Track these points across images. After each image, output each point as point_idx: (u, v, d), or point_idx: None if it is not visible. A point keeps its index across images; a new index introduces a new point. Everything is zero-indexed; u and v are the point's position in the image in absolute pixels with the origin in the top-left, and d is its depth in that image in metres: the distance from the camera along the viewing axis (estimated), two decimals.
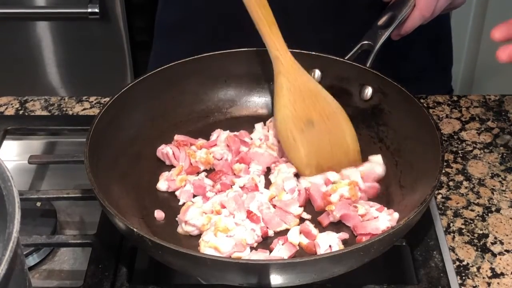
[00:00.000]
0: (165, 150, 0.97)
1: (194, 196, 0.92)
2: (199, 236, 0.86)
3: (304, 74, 0.94)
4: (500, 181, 1.01)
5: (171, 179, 0.93)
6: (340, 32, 1.14)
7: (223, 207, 0.88)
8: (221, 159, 0.96)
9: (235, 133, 1.00)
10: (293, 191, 0.90)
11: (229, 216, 0.87)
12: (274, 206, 0.90)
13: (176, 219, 0.89)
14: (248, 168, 0.94)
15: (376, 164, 0.94)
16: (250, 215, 0.87)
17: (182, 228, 0.87)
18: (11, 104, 1.18)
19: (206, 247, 0.83)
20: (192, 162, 0.96)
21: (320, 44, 1.04)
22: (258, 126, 1.02)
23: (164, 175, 0.95)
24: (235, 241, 0.83)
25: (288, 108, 0.93)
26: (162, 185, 0.94)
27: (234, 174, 0.94)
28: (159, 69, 1.00)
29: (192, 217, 0.86)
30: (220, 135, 1.00)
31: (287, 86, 0.93)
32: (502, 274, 0.88)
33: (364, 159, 0.96)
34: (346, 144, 0.95)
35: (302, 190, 0.91)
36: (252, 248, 0.85)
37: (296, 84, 0.93)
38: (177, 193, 0.93)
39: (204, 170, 0.97)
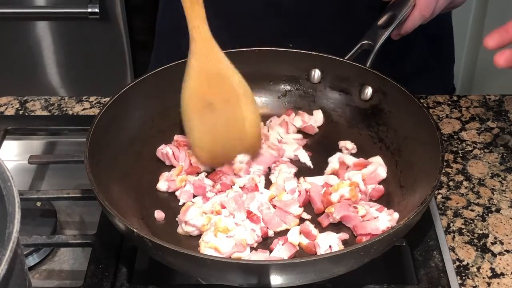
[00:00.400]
0: (165, 150, 0.97)
1: (194, 196, 0.92)
2: (199, 236, 0.86)
3: (217, 57, 0.92)
4: (500, 181, 1.01)
5: (171, 179, 0.93)
6: (340, 32, 1.14)
7: (223, 207, 0.88)
8: None
9: None
10: (293, 191, 0.90)
11: (229, 217, 0.87)
12: (274, 206, 0.90)
13: (176, 219, 0.89)
14: (249, 168, 0.94)
15: (378, 166, 0.94)
16: (250, 215, 0.87)
17: (182, 229, 0.87)
18: (11, 104, 1.18)
19: (206, 248, 0.83)
20: (193, 162, 0.96)
21: (320, 44, 1.04)
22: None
23: (164, 175, 0.95)
24: (235, 242, 0.83)
25: (191, 89, 0.92)
26: (162, 185, 0.94)
27: (235, 174, 0.94)
28: (159, 69, 1.00)
29: (192, 218, 0.86)
30: None
31: (195, 68, 0.92)
32: (502, 274, 0.88)
33: (364, 158, 0.96)
34: (243, 129, 0.94)
35: (303, 191, 0.91)
36: (252, 249, 0.85)
37: (205, 66, 0.92)
38: (177, 193, 0.93)
39: (204, 170, 0.97)
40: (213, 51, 0.92)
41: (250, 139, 0.95)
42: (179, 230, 0.88)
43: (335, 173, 0.95)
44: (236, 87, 0.93)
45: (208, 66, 0.92)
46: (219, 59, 0.92)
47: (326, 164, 0.97)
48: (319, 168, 0.97)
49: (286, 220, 0.88)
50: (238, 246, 0.83)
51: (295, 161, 0.98)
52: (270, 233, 0.87)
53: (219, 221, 0.85)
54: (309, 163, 0.98)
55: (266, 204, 0.89)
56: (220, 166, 0.95)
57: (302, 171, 0.96)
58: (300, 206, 0.90)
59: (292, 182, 0.91)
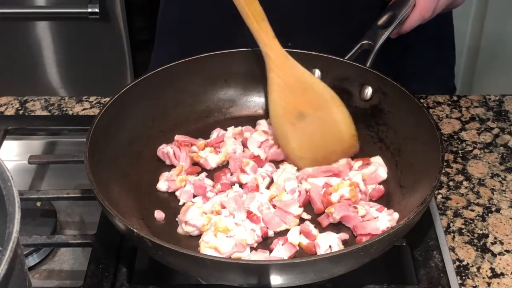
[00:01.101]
0: (165, 150, 0.97)
1: (194, 196, 0.92)
2: (199, 236, 0.86)
3: (294, 67, 0.95)
4: (500, 181, 1.01)
5: (171, 179, 0.93)
6: (340, 32, 1.14)
7: (223, 207, 0.88)
8: (235, 152, 0.97)
9: (241, 127, 1.00)
10: (293, 191, 0.90)
11: (229, 217, 0.87)
12: (274, 206, 0.90)
13: (176, 219, 0.89)
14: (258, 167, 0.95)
15: (379, 167, 0.94)
16: (250, 215, 0.87)
17: (182, 229, 0.87)
18: (11, 104, 1.18)
19: (206, 248, 0.83)
20: (201, 161, 0.96)
21: (321, 44, 1.04)
22: (263, 121, 1.02)
23: (164, 175, 0.95)
24: (235, 242, 0.83)
25: (278, 103, 0.94)
26: (162, 185, 0.94)
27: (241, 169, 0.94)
28: (159, 69, 1.00)
29: (192, 218, 0.86)
30: (223, 132, 1.00)
31: (276, 82, 0.94)
32: (502, 274, 0.88)
33: (364, 158, 0.96)
34: (339, 132, 0.95)
35: (303, 191, 0.91)
36: (252, 249, 0.85)
37: (286, 78, 0.94)
38: (177, 193, 0.93)
39: (203, 170, 0.97)
40: (290, 64, 0.94)
41: (347, 140, 0.96)
42: (179, 230, 0.88)
43: (337, 174, 0.95)
44: (321, 91, 0.95)
45: (289, 79, 0.94)
46: (297, 70, 0.94)
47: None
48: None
49: (286, 220, 0.88)
50: (238, 246, 0.83)
51: None
52: (270, 233, 0.87)
53: (219, 221, 0.85)
54: None
55: (266, 204, 0.89)
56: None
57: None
58: (300, 206, 0.90)
59: (292, 182, 0.91)
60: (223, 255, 0.82)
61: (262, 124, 1.02)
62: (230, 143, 0.98)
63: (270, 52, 0.94)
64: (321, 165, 0.94)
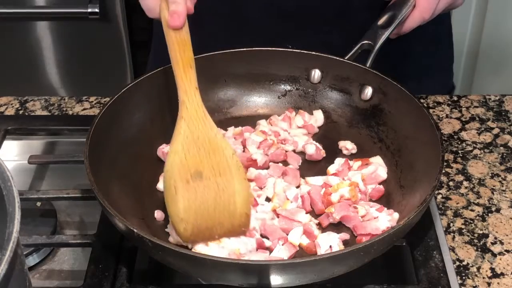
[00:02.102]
0: (165, 150, 0.97)
1: None
2: None
3: (207, 124, 0.87)
4: (500, 181, 1.01)
5: None
6: (340, 32, 1.14)
7: None
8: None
9: (241, 128, 1.00)
10: (296, 198, 0.90)
11: None
12: (278, 215, 0.89)
13: (166, 229, 0.88)
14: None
15: (379, 167, 0.94)
16: None
17: (174, 237, 0.86)
18: (11, 104, 1.18)
19: None
20: (170, 240, 0.95)
21: (321, 44, 1.04)
22: (263, 121, 1.02)
23: None
24: (228, 251, 0.82)
25: (179, 154, 0.85)
26: (162, 185, 0.94)
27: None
28: (159, 69, 1.00)
29: None
30: (223, 132, 1.00)
31: (185, 132, 0.86)
32: (502, 274, 0.88)
33: (364, 158, 0.96)
34: (233, 205, 0.84)
35: (306, 195, 0.90)
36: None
37: (196, 132, 0.86)
38: None
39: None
40: (206, 119, 0.87)
41: (239, 216, 0.85)
42: (171, 239, 0.86)
43: (337, 173, 0.95)
44: (229, 159, 0.86)
45: (200, 133, 0.86)
46: (211, 128, 0.87)
47: (326, 164, 0.97)
48: (319, 168, 0.97)
49: (293, 226, 0.87)
50: (231, 256, 0.82)
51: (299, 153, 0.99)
52: (268, 243, 0.85)
53: None
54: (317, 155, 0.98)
55: (269, 214, 0.88)
56: (202, 242, 0.85)
57: (303, 169, 0.96)
58: (306, 213, 0.89)
59: (293, 190, 0.91)
60: None
61: (262, 124, 1.02)
62: (230, 144, 0.98)
63: (187, 101, 0.86)
64: (203, 238, 0.84)
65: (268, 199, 0.91)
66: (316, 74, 1.03)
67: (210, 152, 0.85)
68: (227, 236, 0.85)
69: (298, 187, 0.93)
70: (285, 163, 0.98)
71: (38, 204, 0.97)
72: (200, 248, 0.83)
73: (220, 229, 0.84)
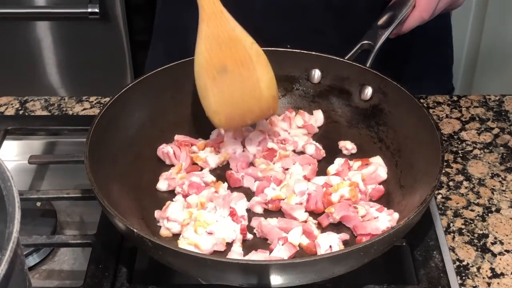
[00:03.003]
0: (165, 150, 0.97)
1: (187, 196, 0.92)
2: None
3: (226, 22, 0.93)
4: (500, 181, 1.01)
5: (171, 177, 0.93)
6: (340, 32, 1.14)
7: (211, 200, 0.88)
8: (235, 153, 0.97)
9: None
10: (302, 193, 0.90)
11: (211, 212, 0.87)
12: (275, 204, 0.89)
13: (158, 224, 0.89)
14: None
15: (379, 167, 0.94)
16: (232, 213, 0.87)
17: (164, 226, 0.87)
18: (11, 104, 1.18)
19: (186, 244, 0.83)
20: (200, 163, 0.97)
21: (321, 44, 1.04)
22: (262, 121, 1.02)
23: (164, 175, 0.95)
24: (215, 240, 0.84)
25: (203, 54, 0.92)
26: (162, 185, 0.94)
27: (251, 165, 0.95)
28: (159, 69, 1.00)
29: (172, 213, 0.86)
30: (223, 132, 1.00)
31: (206, 33, 0.92)
32: (502, 274, 0.88)
33: (364, 159, 0.96)
34: (259, 91, 0.93)
35: (313, 193, 0.90)
36: (252, 249, 0.85)
37: (216, 31, 0.92)
38: (177, 189, 0.93)
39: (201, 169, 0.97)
40: (223, 16, 0.92)
41: (266, 100, 0.94)
42: (162, 231, 0.88)
43: (338, 173, 0.95)
44: (248, 49, 0.93)
45: (219, 30, 0.92)
46: (229, 23, 0.93)
47: (326, 164, 0.97)
48: (319, 167, 0.97)
49: (292, 225, 0.87)
50: (218, 245, 0.84)
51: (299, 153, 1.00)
52: (249, 236, 0.87)
53: (199, 215, 0.85)
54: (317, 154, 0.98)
55: (261, 207, 0.89)
56: (237, 128, 0.97)
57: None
58: (305, 211, 0.89)
59: (302, 184, 0.91)
60: (203, 252, 0.82)
61: (262, 123, 1.02)
62: (230, 144, 0.98)
63: (204, 4, 0.92)
64: (238, 124, 0.96)
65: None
66: (316, 74, 1.03)
67: (231, 47, 0.92)
68: (258, 120, 0.97)
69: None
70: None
71: (38, 204, 0.97)
72: (189, 235, 0.84)
73: (250, 115, 0.94)
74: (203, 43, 0.92)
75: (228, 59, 0.92)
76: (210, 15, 0.92)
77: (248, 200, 0.91)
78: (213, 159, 0.97)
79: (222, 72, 0.92)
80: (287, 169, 0.95)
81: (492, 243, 0.92)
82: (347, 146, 0.99)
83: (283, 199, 0.90)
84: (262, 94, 0.93)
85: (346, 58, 1.01)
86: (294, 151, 0.99)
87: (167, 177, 0.94)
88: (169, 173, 0.94)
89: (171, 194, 0.93)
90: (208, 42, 0.92)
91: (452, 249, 0.91)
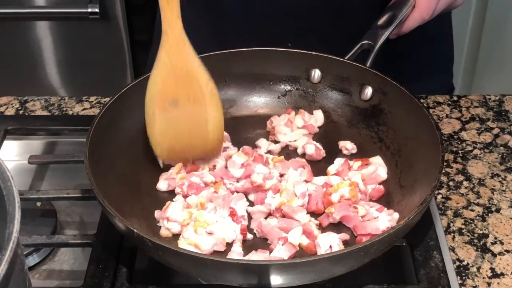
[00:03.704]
0: None
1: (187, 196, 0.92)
2: None
3: (187, 54, 0.91)
4: (500, 181, 1.01)
5: (171, 177, 0.93)
6: (340, 32, 1.14)
7: (211, 201, 0.88)
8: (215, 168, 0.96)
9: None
10: (304, 195, 0.90)
11: (211, 212, 0.87)
12: (281, 212, 0.89)
13: (158, 224, 0.88)
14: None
15: (379, 167, 0.94)
16: (232, 213, 0.87)
17: (164, 226, 0.87)
18: (11, 104, 1.18)
19: (186, 244, 0.83)
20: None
21: (321, 44, 1.04)
22: (263, 142, 1.01)
23: (164, 175, 0.95)
24: (215, 240, 0.84)
25: (157, 85, 0.91)
26: (162, 185, 0.94)
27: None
28: None
29: (172, 213, 0.86)
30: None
31: (164, 61, 0.91)
32: (502, 274, 0.88)
33: (364, 159, 0.96)
34: (205, 132, 0.93)
35: (314, 194, 0.90)
36: (252, 249, 0.85)
37: (174, 61, 0.91)
38: (177, 190, 0.93)
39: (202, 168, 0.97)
40: (184, 47, 0.90)
41: (211, 141, 0.94)
42: (162, 231, 0.88)
43: (338, 173, 0.95)
44: (203, 86, 0.92)
45: (178, 61, 0.90)
46: (189, 56, 0.91)
47: (326, 164, 0.97)
48: (319, 167, 0.97)
49: (293, 226, 0.87)
50: (218, 245, 0.84)
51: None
52: (249, 236, 0.87)
53: (199, 215, 0.85)
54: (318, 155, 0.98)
55: (266, 213, 0.89)
56: (176, 163, 0.95)
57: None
58: (307, 213, 0.89)
59: (302, 186, 0.91)
60: (203, 252, 0.82)
61: (262, 146, 1.00)
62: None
63: (168, 30, 0.89)
64: (178, 158, 0.94)
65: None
66: (316, 74, 1.03)
67: (187, 81, 0.91)
68: (200, 158, 0.95)
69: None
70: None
71: (38, 204, 0.97)
72: (189, 235, 0.84)
73: (193, 152, 0.94)
74: (159, 73, 0.91)
75: (182, 94, 0.91)
76: (172, 43, 0.89)
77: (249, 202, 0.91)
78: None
79: (173, 104, 0.91)
80: (281, 175, 0.94)
81: (492, 243, 0.92)
82: (347, 146, 0.99)
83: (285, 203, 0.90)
84: (208, 135, 0.93)
85: (346, 58, 1.01)
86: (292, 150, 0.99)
87: (167, 177, 0.94)
88: (169, 173, 0.94)
89: (171, 194, 0.93)
90: (165, 72, 0.91)
91: (452, 249, 0.91)
